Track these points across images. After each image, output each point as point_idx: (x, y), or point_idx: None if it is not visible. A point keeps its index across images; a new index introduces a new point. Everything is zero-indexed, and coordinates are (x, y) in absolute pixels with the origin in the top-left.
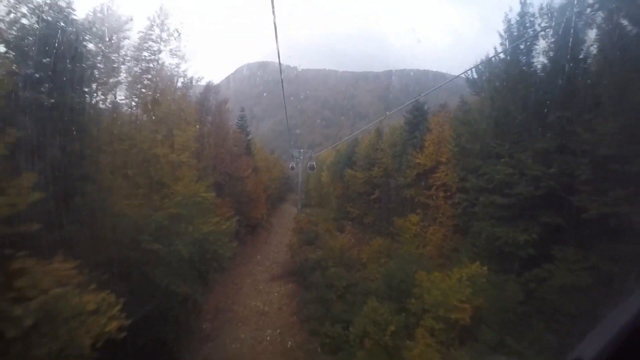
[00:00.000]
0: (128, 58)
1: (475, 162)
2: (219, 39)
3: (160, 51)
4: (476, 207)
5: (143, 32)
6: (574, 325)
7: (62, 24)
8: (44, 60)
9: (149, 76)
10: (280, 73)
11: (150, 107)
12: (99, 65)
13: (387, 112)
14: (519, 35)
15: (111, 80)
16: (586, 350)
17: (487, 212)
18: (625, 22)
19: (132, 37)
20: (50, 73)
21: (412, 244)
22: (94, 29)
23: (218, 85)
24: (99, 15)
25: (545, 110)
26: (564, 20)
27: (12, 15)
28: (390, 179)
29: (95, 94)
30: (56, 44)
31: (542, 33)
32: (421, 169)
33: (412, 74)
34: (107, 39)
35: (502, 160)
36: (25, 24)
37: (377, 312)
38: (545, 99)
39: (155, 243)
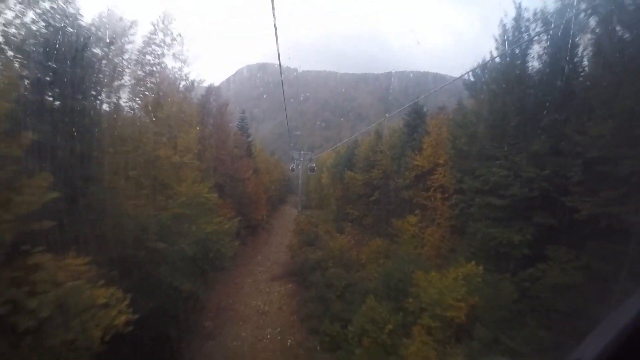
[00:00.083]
0: (132, 62)
1: (471, 164)
2: (219, 40)
3: (163, 55)
4: (472, 208)
5: (147, 36)
6: (567, 323)
7: (69, 29)
8: (51, 65)
9: (152, 79)
10: (281, 74)
11: (152, 109)
12: (104, 68)
13: (387, 115)
14: (514, 39)
15: (115, 83)
16: (586, 351)
17: (482, 213)
18: (618, 27)
19: (136, 41)
20: (57, 77)
21: (410, 245)
22: (99, 34)
23: (219, 87)
24: (104, 20)
25: (540, 113)
26: (559, 25)
27: (19, 20)
28: (390, 181)
29: (100, 97)
30: (63, 49)
31: (537, 38)
32: (419, 170)
33: (411, 75)
34: (112, 43)
35: (497, 162)
36: (33, 29)
37: (376, 311)
38: (540, 103)
39: (159, 242)
